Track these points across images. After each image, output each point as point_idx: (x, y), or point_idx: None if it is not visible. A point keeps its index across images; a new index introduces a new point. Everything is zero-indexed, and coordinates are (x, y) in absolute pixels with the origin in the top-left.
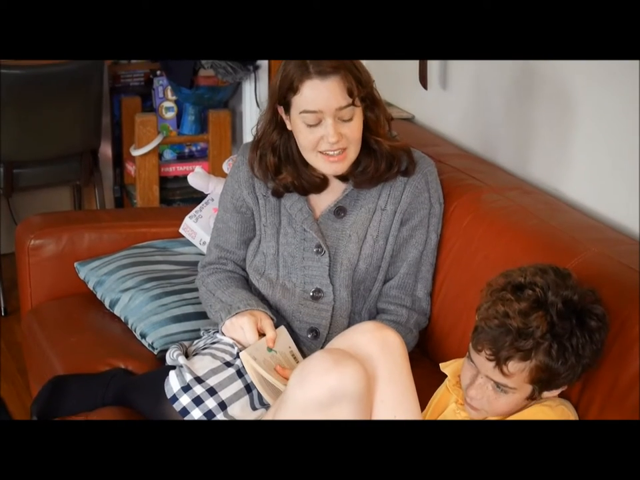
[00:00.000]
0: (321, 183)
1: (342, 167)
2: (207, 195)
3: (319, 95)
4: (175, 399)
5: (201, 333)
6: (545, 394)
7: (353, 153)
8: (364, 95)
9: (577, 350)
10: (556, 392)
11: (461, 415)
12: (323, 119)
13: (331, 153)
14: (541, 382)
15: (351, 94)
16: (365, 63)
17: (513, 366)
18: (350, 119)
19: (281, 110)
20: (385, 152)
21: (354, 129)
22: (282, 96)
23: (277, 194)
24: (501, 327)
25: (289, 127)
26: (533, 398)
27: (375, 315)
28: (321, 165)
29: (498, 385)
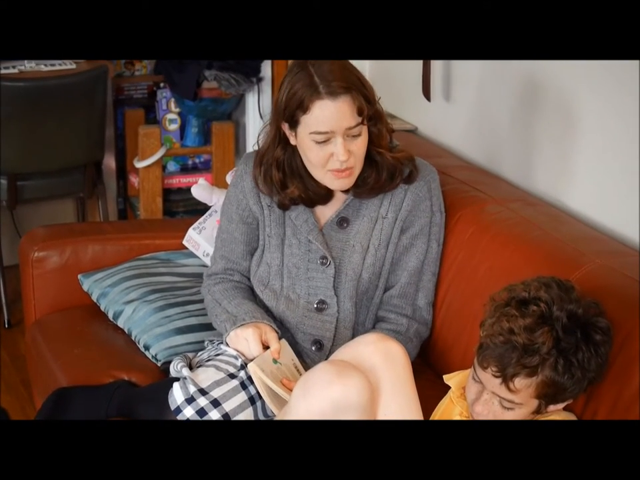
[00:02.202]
0: (326, 195)
1: (349, 182)
2: (210, 206)
3: (330, 115)
4: (178, 410)
5: (205, 343)
6: (551, 407)
7: (358, 169)
8: (372, 112)
9: (582, 364)
10: (561, 405)
11: None
12: (333, 137)
13: (340, 169)
14: (547, 396)
15: (360, 113)
16: (368, 71)
17: (519, 382)
18: (357, 136)
19: (285, 126)
20: (387, 163)
21: (360, 146)
22: (290, 114)
23: (283, 207)
24: (507, 343)
25: (292, 142)
26: (538, 412)
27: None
28: (329, 181)
29: (504, 400)
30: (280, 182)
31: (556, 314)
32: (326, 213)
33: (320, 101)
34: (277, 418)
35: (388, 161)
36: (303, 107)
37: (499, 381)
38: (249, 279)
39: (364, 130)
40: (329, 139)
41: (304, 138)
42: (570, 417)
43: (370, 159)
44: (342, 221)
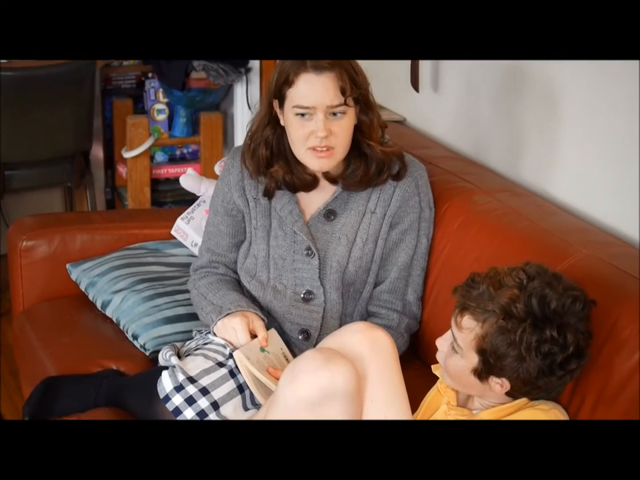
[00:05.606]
0: (311, 182)
1: (329, 163)
2: (198, 196)
3: (313, 89)
4: (167, 398)
5: (193, 333)
6: (493, 380)
7: (340, 152)
8: (357, 95)
9: (528, 348)
10: (506, 385)
11: (452, 417)
12: (314, 114)
13: (319, 148)
14: (486, 361)
15: (343, 92)
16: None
17: (466, 321)
18: (341, 117)
19: (275, 104)
20: (377, 156)
21: (343, 128)
22: (277, 89)
23: (268, 192)
24: (480, 284)
25: (282, 122)
26: (480, 377)
27: (366, 317)
28: (309, 160)
29: (455, 342)
30: (266, 159)
31: (532, 289)
32: (312, 204)
33: (305, 74)
34: (265, 406)
35: (377, 154)
36: (289, 81)
37: (456, 312)
38: (234, 271)
39: (349, 112)
40: (310, 115)
41: (288, 113)
42: (557, 407)
43: (359, 150)
44: (329, 213)
